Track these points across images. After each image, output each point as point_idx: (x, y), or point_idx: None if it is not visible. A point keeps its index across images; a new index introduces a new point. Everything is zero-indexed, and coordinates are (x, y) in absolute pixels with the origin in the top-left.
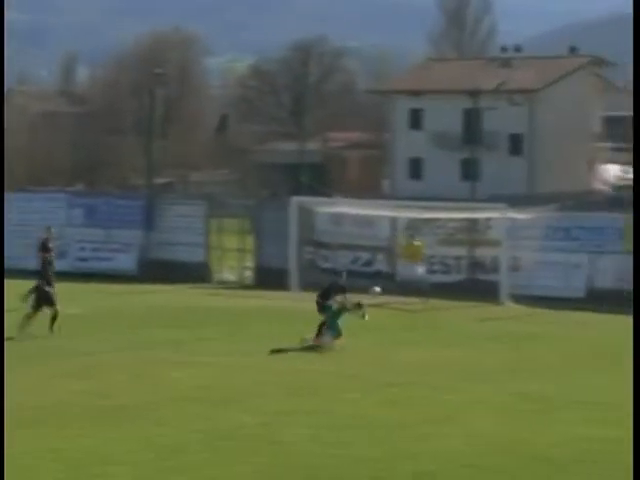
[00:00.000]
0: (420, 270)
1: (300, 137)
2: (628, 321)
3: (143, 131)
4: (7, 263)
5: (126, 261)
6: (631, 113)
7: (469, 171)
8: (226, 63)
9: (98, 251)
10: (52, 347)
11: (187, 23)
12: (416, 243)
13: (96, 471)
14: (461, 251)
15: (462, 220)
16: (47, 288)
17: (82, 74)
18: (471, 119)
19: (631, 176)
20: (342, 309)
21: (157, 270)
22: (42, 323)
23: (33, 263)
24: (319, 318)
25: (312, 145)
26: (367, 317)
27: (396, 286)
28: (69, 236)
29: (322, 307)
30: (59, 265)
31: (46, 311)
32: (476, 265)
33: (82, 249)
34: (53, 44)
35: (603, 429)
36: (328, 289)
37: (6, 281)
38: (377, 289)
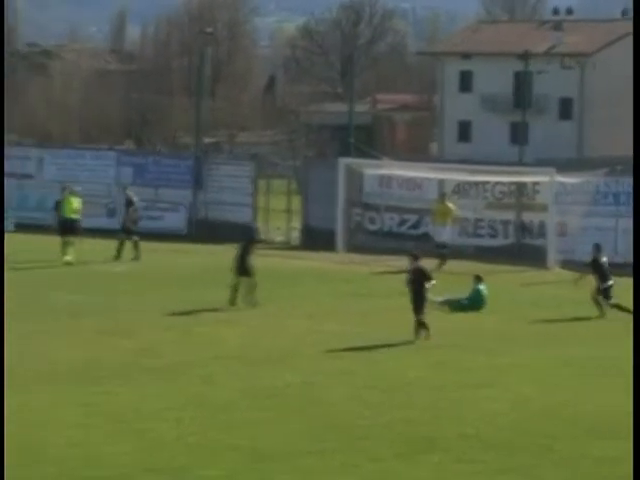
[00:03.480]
0: (447, 232)
1: (348, 98)
2: None
3: (192, 90)
4: (43, 217)
5: (175, 220)
6: None
7: (518, 134)
8: (275, 23)
9: (147, 210)
10: (99, 304)
11: None
12: (448, 204)
13: (137, 427)
14: (508, 215)
15: (510, 184)
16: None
17: (132, 32)
18: (521, 82)
19: None
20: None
21: (206, 230)
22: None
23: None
24: (364, 279)
25: (361, 107)
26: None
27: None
28: (118, 195)
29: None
30: (109, 223)
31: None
32: (523, 229)
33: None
34: (103, 1)
35: None
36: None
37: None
38: None
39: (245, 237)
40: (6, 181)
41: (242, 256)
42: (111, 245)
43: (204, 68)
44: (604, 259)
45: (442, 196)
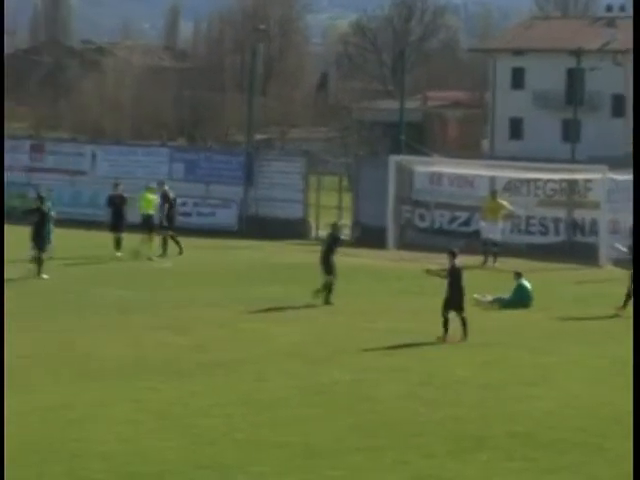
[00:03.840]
0: (498, 230)
1: (400, 95)
2: None
3: (244, 87)
4: (96, 214)
5: (226, 217)
6: None
7: (570, 132)
8: (328, 20)
9: (199, 206)
10: (148, 299)
11: None
12: (499, 201)
13: (186, 422)
14: (560, 212)
15: (561, 181)
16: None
17: (185, 29)
18: (574, 79)
19: None
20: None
21: (256, 226)
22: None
23: (130, 215)
24: (415, 276)
25: (412, 104)
26: None
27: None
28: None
29: None
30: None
31: None
32: (575, 227)
33: (184, 204)
34: None
35: None
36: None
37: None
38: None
39: (329, 236)
40: (59, 177)
41: (326, 255)
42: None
43: (256, 65)
44: None
45: (493, 193)
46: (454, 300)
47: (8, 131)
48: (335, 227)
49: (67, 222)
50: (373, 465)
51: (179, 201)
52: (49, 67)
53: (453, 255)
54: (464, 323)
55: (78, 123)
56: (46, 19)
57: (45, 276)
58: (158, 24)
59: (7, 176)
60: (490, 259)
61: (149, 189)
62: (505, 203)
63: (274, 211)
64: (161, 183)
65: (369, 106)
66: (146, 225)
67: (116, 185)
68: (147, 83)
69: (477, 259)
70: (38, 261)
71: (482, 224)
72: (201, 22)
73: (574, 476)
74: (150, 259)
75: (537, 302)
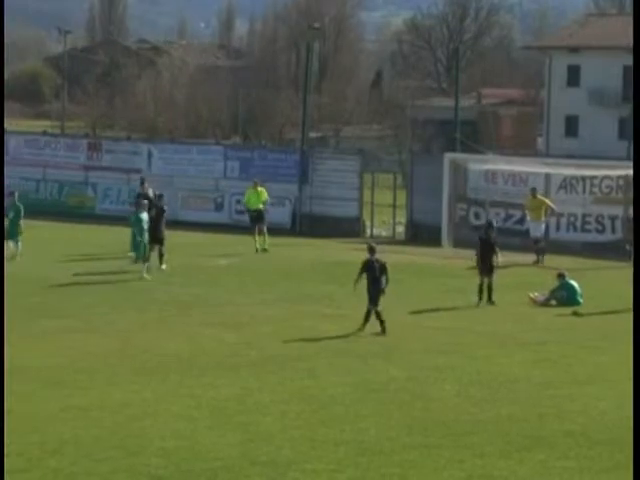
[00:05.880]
0: (542, 227)
1: (454, 93)
2: None
3: (299, 85)
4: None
5: (281, 215)
6: None
7: (627, 129)
8: (382, 18)
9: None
10: (204, 296)
11: None
12: (540, 197)
13: (242, 419)
14: (616, 210)
15: (618, 178)
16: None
17: (240, 28)
18: (630, 76)
19: None
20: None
21: (310, 224)
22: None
23: (186, 213)
24: (469, 274)
25: (466, 101)
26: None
27: (548, 245)
28: (225, 189)
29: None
30: (217, 217)
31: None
32: (632, 225)
33: (238, 202)
34: None
35: None
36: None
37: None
38: None
39: (481, 237)
40: (115, 175)
41: (482, 255)
42: (218, 240)
43: (311, 63)
44: None
45: (533, 191)
46: (370, 293)
47: (66, 130)
48: (490, 224)
49: (125, 220)
50: (427, 463)
51: (234, 199)
52: (105, 66)
53: (370, 250)
54: (378, 317)
55: (133, 122)
56: (103, 19)
57: (146, 274)
58: (213, 23)
59: (65, 174)
60: (540, 257)
61: (255, 185)
62: (546, 200)
63: (328, 209)
64: (142, 181)
65: (423, 104)
66: (258, 219)
67: (142, 182)
68: (202, 82)
69: (530, 257)
70: (159, 255)
71: (528, 223)
72: (255, 21)
73: (630, 476)
74: (264, 250)
75: (591, 300)
